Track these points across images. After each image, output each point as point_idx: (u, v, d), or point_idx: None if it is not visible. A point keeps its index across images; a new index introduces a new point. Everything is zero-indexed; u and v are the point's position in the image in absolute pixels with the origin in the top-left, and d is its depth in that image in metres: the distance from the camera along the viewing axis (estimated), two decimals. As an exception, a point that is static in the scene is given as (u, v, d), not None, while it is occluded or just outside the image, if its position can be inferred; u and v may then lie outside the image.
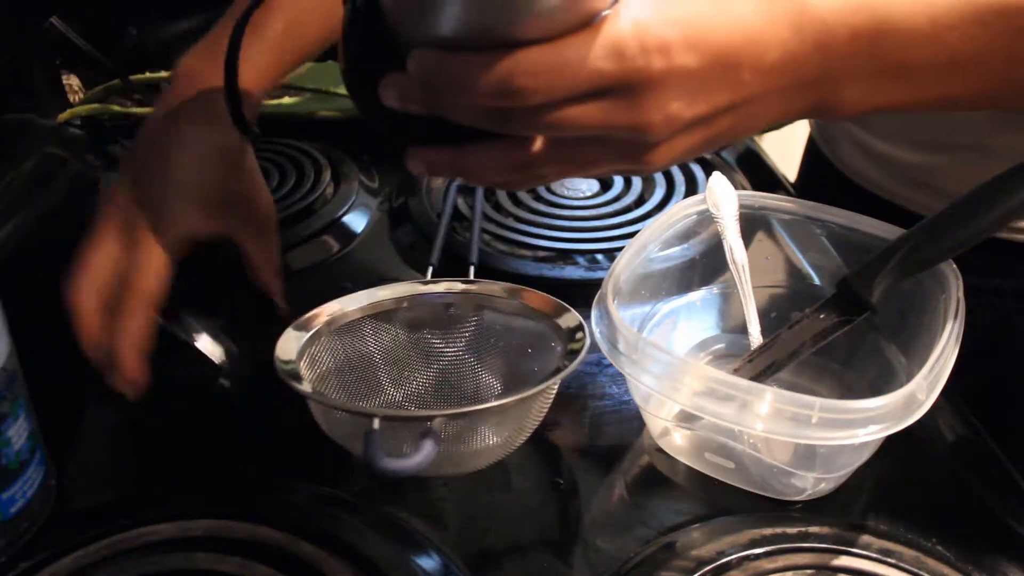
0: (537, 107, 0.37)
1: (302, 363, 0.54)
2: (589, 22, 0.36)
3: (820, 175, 0.82)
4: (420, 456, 0.45)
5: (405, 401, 0.59)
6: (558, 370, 0.52)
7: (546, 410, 0.54)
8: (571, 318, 0.56)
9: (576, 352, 0.53)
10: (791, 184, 0.90)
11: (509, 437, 0.53)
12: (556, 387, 0.53)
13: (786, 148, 1.02)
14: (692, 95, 0.38)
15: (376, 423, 0.47)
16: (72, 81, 0.97)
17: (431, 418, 0.48)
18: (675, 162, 0.42)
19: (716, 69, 0.38)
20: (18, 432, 0.48)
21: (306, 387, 0.51)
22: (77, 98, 0.96)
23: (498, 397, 0.58)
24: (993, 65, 0.42)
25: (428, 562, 0.50)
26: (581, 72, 0.36)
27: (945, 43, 0.40)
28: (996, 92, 0.44)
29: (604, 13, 0.36)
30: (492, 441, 0.53)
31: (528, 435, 0.54)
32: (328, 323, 0.57)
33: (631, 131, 0.38)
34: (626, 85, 0.37)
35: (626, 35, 0.36)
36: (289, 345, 0.54)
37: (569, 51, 0.36)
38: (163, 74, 0.95)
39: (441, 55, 0.36)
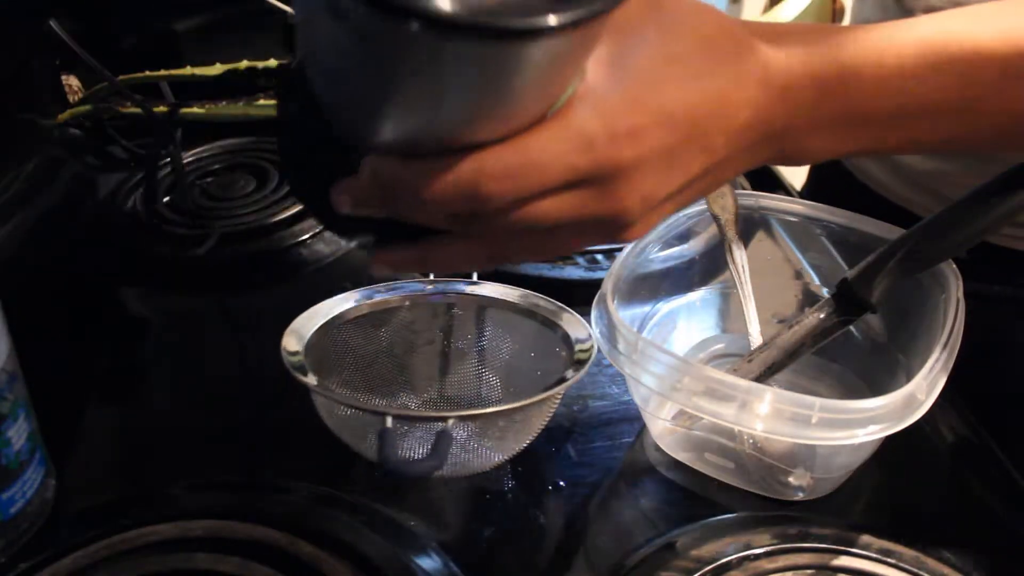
0: (504, 208, 0.35)
1: (308, 357, 0.54)
2: (549, 112, 0.33)
3: (832, 178, 0.82)
4: (435, 457, 0.45)
5: (408, 401, 0.59)
6: (563, 379, 0.52)
7: (550, 416, 0.54)
8: (578, 326, 0.56)
9: (583, 362, 0.53)
10: (792, 185, 0.90)
11: (513, 441, 0.53)
12: (561, 395, 0.54)
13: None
14: (667, 172, 0.37)
15: (389, 422, 0.47)
16: (72, 81, 0.97)
17: (443, 419, 0.48)
18: (649, 230, 0.40)
19: (688, 142, 0.36)
20: (18, 433, 0.48)
21: (311, 380, 0.51)
22: (77, 98, 0.96)
23: (501, 400, 0.58)
24: (961, 114, 0.42)
25: (428, 562, 0.50)
26: (550, 170, 0.34)
27: (913, 93, 0.40)
28: (963, 139, 0.44)
29: (563, 98, 0.33)
30: (497, 444, 0.53)
31: (532, 439, 0.54)
32: (332, 320, 0.57)
33: (607, 217, 0.37)
34: (598, 176, 0.35)
35: (594, 125, 0.34)
36: (295, 338, 0.54)
37: (535, 149, 0.34)
38: (162, 73, 0.95)
39: (398, 164, 0.34)
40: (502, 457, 0.54)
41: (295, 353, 0.53)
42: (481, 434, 0.53)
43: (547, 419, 0.54)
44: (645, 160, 0.35)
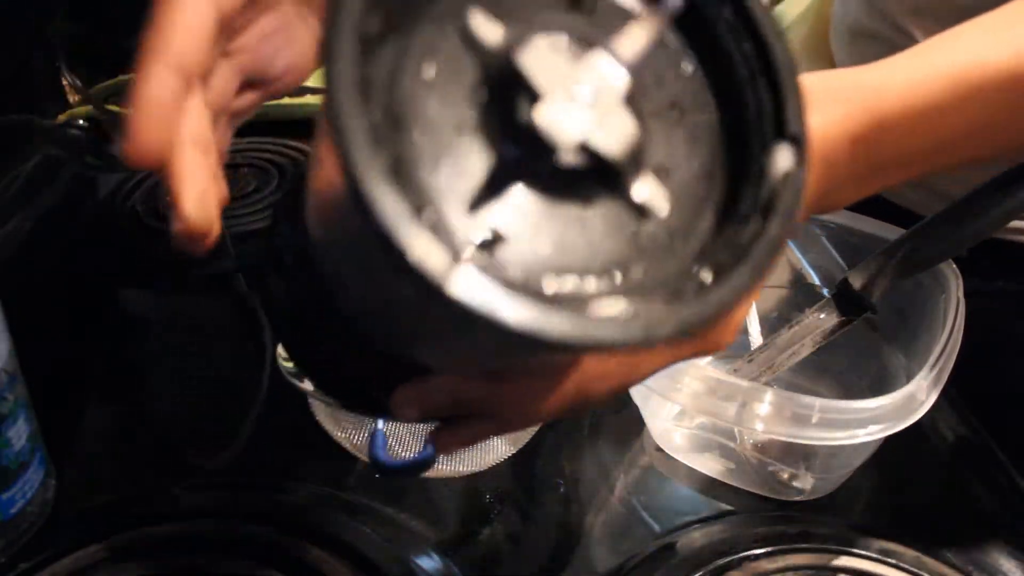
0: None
1: None
2: None
3: None
4: (425, 456, 0.45)
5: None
6: None
7: None
8: None
9: None
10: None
11: (510, 441, 0.53)
12: None
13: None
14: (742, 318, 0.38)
15: (380, 423, 0.47)
16: (72, 81, 0.97)
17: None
18: None
19: None
20: (18, 433, 0.48)
21: (308, 385, 0.51)
22: (77, 99, 0.96)
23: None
24: (987, 136, 0.42)
25: (428, 562, 0.50)
26: (655, 355, 0.34)
27: (942, 128, 0.40)
28: (987, 157, 0.44)
29: None
30: (493, 443, 0.53)
31: (528, 438, 0.54)
32: None
33: (705, 352, 0.37)
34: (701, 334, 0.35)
35: None
36: None
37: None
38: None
39: (491, 386, 0.32)
40: (499, 456, 0.54)
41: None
42: None
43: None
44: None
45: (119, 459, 0.59)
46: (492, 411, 0.33)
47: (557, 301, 0.23)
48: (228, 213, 0.80)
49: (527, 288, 0.23)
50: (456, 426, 0.35)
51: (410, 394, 0.33)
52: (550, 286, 0.23)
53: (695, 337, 0.33)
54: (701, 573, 0.48)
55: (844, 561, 0.49)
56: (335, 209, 0.26)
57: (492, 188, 0.23)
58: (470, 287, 0.21)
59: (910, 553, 0.50)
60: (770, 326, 0.59)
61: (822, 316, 0.54)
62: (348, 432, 0.52)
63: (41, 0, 0.86)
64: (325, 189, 0.27)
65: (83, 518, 0.52)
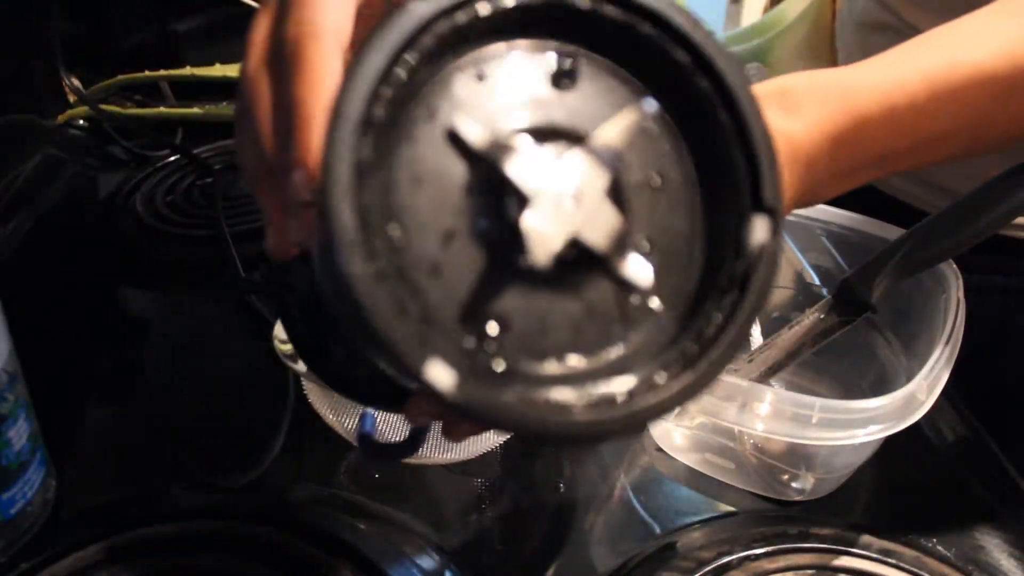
0: None
1: None
2: None
3: None
4: (411, 439, 0.45)
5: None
6: None
7: None
8: None
9: None
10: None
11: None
12: None
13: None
14: None
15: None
16: (72, 82, 0.97)
17: None
18: None
19: None
20: (18, 433, 0.48)
21: (301, 367, 0.52)
22: (75, 99, 0.96)
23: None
24: (969, 134, 0.42)
25: (428, 562, 0.50)
26: None
27: (924, 126, 0.41)
28: (970, 152, 0.45)
29: None
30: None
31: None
32: None
33: None
34: None
35: None
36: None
37: None
38: (162, 73, 0.95)
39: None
40: (488, 445, 0.54)
41: (287, 342, 0.53)
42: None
43: None
44: None
45: (119, 459, 0.59)
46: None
47: (553, 388, 0.25)
48: (228, 213, 0.81)
49: (526, 380, 0.24)
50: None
51: (419, 405, 0.34)
52: (549, 368, 0.25)
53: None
54: (701, 573, 0.48)
55: (844, 561, 0.49)
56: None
57: (486, 288, 0.25)
58: (469, 397, 0.23)
59: (910, 553, 0.50)
60: (770, 326, 0.59)
61: (822, 316, 0.54)
62: (341, 417, 0.52)
63: (41, 0, 0.86)
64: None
65: (83, 518, 0.52)
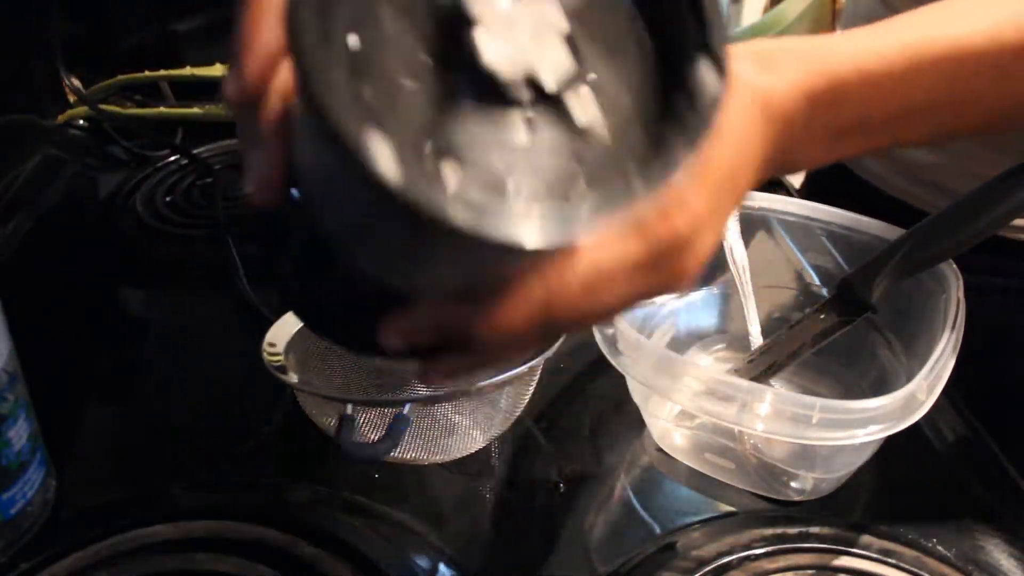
0: (572, 319, 0.35)
1: (290, 355, 0.54)
2: None
3: (829, 172, 0.82)
4: (389, 440, 0.46)
5: (385, 390, 0.59)
6: (527, 360, 0.52)
7: (524, 402, 0.55)
8: None
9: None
10: (792, 185, 0.90)
11: (486, 424, 0.54)
12: (535, 377, 0.54)
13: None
14: (714, 227, 0.37)
15: (349, 408, 0.48)
16: (72, 82, 0.97)
17: (401, 403, 0.49)
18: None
19: (726, 193, 0.38)
20: (18, 433, 0.48)
21: (291, 377, 0.52)
22: (75, 99, 0.96)
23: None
24: (949, 110, 0.42)
25: (428, 562, 0.50)
26: (616, 274, 0.34)
27: (902, 96, 0.41)
28: (952, 130, 0.45)
29: None
30: (468, 428, 0.53)
31: (508, 424, 0.54)
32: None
33: (669, 287, 0.37)
34: (659, 256, 0.35)
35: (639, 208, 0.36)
36: (277, 335, 0.55)
37: (594, 260, 0.34)
38: (162, 73, 0.95)
39: (462, 309, 0.33)
40: (477, 443, 0.54)
41: (275, 354, 0.54)
42: (450, 417, 0.53)
43: (523, 402, 0.55)
44: (696, 224, 0.36)
45: (119, 459, 0.59)
46: (468, 336, 0.34)
47: (498, 206, 0.25)
48: (228, 213, 0.80)
49: (471, 197, 0.25)
50: (436, 358, 0.37)
51: (392, 323, 0.34)
52: (497, 196, 0.26)
53: (651, 266, 0.35)
54: (701, 573, 0.48)
55: (844, 561, 0.49)
56: (307, 133, 0.29)
57: (438, 112, 0.26)
58: (418, 187, 0.24)
59: (910, 553, 0.50)
60: (770, 326, 0.59)
61: (822, 316, 0.54)
62: (333, 421, 0.53)
63: (41, 0, 0.86)
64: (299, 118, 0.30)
65: (83, 518, 0.52)
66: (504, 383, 0.51)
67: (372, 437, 0.52)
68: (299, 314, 0.39)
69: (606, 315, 0.37)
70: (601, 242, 0.34)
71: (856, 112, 0.41)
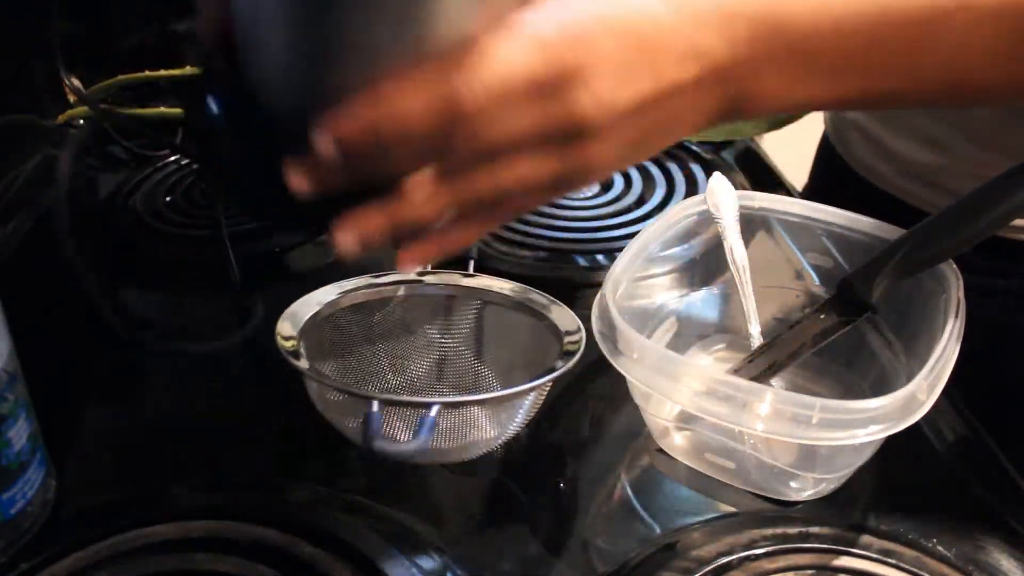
0: (471, 135, 0.37)
1: (301, 343, 0.55)
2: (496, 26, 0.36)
3: (832, 172, 0.82)
4: (417, 441, 0.46)
5: (400, 388, 0.60)
6: (552, 369, 0.52)
7: (538, 406, 0.55)
8: (569, 319, 0.57)
9: (572, 353, 0.54)
10: (792, 185, 0.90)
11: (500, 430, 0.54)
12: (549, 385, 0.54)
13: (789, 148, 1.02)
14: (617, 79, 0.38)
15: (375, 406, 0.48)
16: (72, 82, 0.97)
17: (428, 405, 0.49)
18: (614, 166, 0.41)
19: (638, 54, 0.38)
20: (18, 433, 0.48)
21: (304, 365, 0.52)
22: (75, 99, 0.96)
23: (492, 390, 0.58)
24: (904, 62, 0.42)
25: (428, 562, 0.50)
26: (513, 73, 0.36)
27: (847, 36, 0.41)
28: (911, 92, 0.44)
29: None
30: (484, 432, 0.53)
31: (518, 429, 0.54)
32: (329, 305, 0.58)
33: (566, 127, 0.38)
34: (554, 78, 0.37)
35: (546, 28, 0.37)
36: (290, 323, 0.55)
37: (495, 54, 0.36)
38: (162, 73, 0.95)
39: (365, 106, 0.35)
40: (491, 446, 0.54)
41: (289, 338, 0.54)
42: (470, 422, 0.53)
43: (535, 409, 0.55)
44: (596, 64, 0.37)
45: (119, 459, 0.59)
46: (370, 150, 0.36)
47: None
48: (228, 213, 0.80)
49: None
50: (419, 238, 0.39)
51: (300, 164, 0.36)
52: None
53: (549, 93, 0.37)
54: (701, 573, 0.48)
55: (844, 561, 0.49)
56: None
57: None
58: None
59: (910, 553, 0.50)
60: (770, 326, 0.59)
61: (822, 316, 0.54)
62: (346, 417, 0.53)
63: (41, 0, 0.86)
64: None
65: (83, 518, 0.52)
66: (531, 389, 0.52)
67: (395, 436, 0.52)
68: (237, 197, 0.40)
69: (510, 144, 0.38)
70: (505, 54, 0.36)
71: (806, 44, 0.41)
